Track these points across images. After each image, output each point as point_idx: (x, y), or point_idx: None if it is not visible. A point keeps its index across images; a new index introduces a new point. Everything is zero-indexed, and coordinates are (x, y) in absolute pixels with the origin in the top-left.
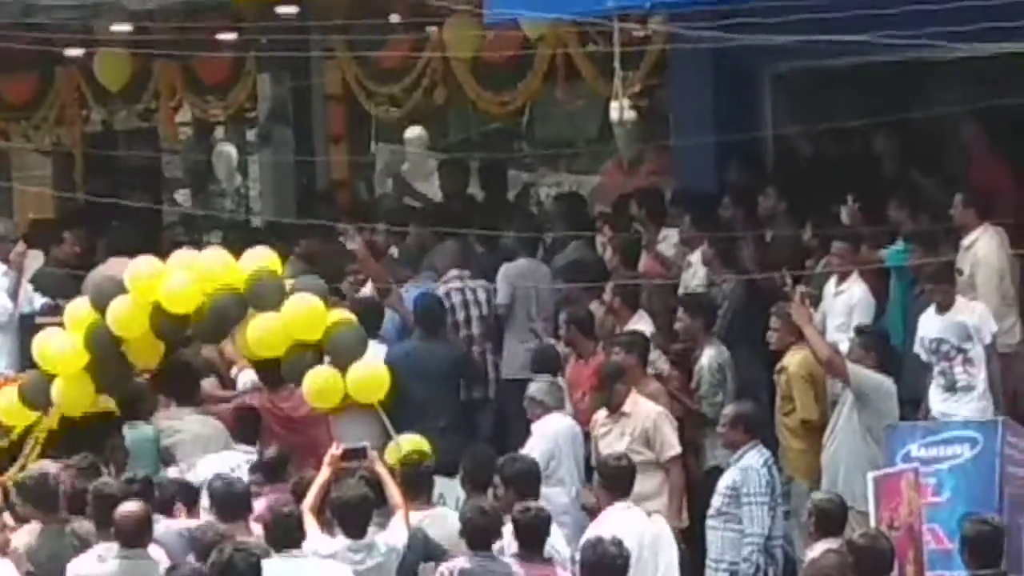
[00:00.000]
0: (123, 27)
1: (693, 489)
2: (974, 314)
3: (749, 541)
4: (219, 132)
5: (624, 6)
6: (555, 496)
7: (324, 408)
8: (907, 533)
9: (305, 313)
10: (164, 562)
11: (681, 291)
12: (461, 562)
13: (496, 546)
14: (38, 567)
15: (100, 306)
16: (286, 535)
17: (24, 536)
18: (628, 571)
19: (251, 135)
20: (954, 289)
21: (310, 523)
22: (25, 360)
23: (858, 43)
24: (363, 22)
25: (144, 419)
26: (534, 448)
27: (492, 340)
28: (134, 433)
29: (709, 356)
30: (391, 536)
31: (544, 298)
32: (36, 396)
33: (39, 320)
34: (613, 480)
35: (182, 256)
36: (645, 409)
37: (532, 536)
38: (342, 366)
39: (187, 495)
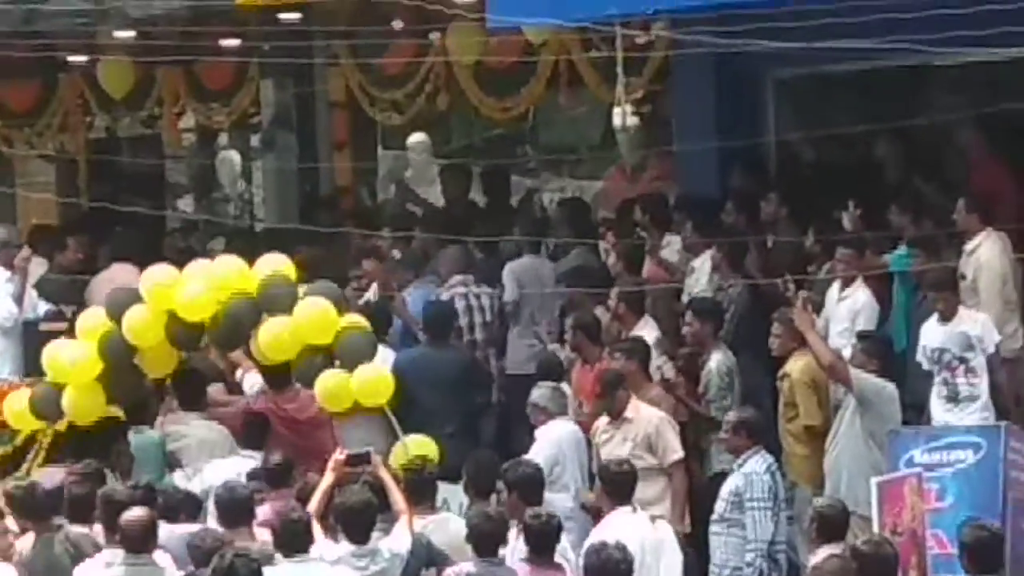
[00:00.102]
0: (126, 34)
1: (698, 494)
2: (977, 324)
3: (752, 547)
4: (223, 138)
5: (627, 12)
6: (559, 501)
7: (333, 411)
8: (910, 538)
9: (316, 317)
10: (170, 568)
11: (685, 297)
12: (467, 567)
13: (502, 552)
14: None
15: (115, 315)
16: (295, 540)
17: (28, 542)
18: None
19: (255, 141)
20: (956, 297)
21: (314, 529)
22: (29, 366)
23: (860, 49)
24: (366, 28)
25: (149, 424)
26: (538, 454)
27: (496, 346)
28: (139, 438)
29: (717, 360)
30: (395, 542)
31: (548, 300)
32: (47, 407)
33: (43, 327)
34: (615, 485)
35: (197, 265)
36: (647, 414)
37: (543, 542)
38: (352, 369)
39: (190, 504)
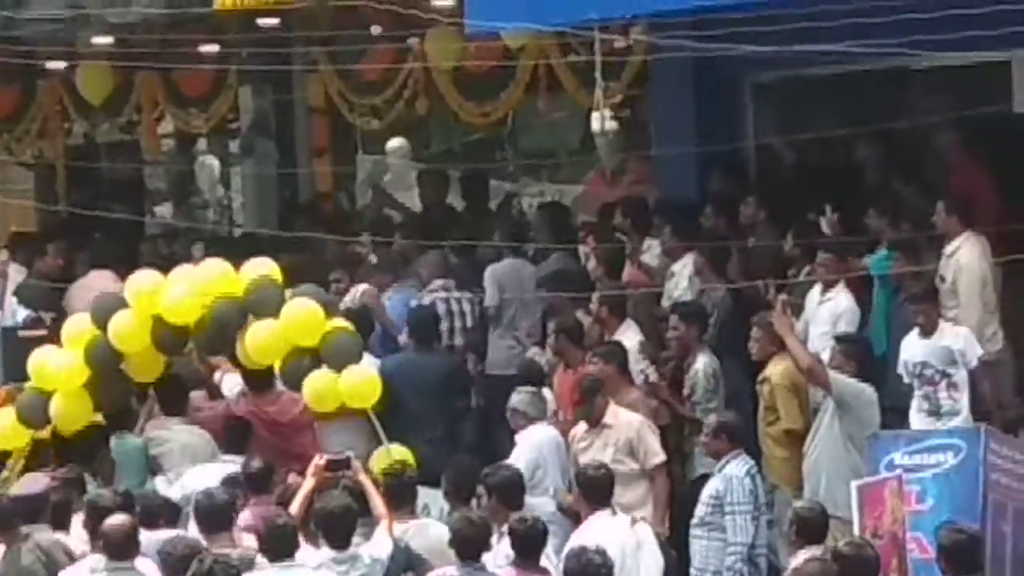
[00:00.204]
0: (105, 40)
1: (680, 497)
2: (959, 338)
3: (732, 550)
4: (201, 144)
5: (605, 17)
6: (541, 505)
7: (319, 413)
8: (891, 541)
9: (303, 319)
10: (152, 574)
11: (664, 301)
12: (451, 571)
13: (485, 557)
14: None
15: (101, 322)
16: (280, 545)
17: None
18: None
19: (233, 147)
20: (937, 310)
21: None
22: (8, 372)
23: (838, 52)
24: (345, 33)
25: (130, 430)
26: (519, 458)
27: (476, 351)
28: (121, 444)
29: (704, 362)
30: (375, 547)
31: (530, 302)
32: (33, 415)
33: (22, 333)
34: (592, 489)
35: (182, 269)
36: (627, 419)
37: (529, 546)
38: (339, 371)
39: (169, 511)
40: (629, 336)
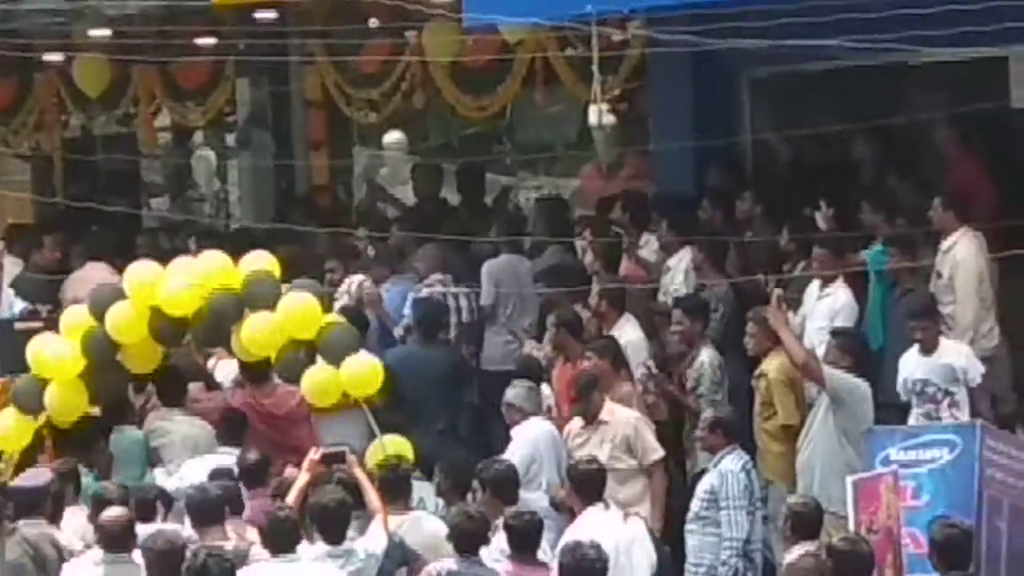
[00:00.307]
0: (102, 32)
1: (683, 493)
2: (961, 356)
3: (727, 545)
4: (198, 137)
5: (603, 10)
6: (536, 500)
7: (318, 406)
8: (886, 537)
9: (300, 312)
10: None
11: (661, 296)
12: (448, 564)
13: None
14: None
15: (98, 312)
16: (282, 538)
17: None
18: (607, 575)
19: (230, 140)
20: (936, 327)
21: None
22: (5, 365)
23: (836, 47)
24: (342, 27)
25: (128, 422)
26: (515, 452)
27: (474, 345)
28: (121, 437)
29: (709, 355)
30: (370, 542)
31: (527, 297)
32: (28, 401)
33: (18, 326)
34: (584, 484)
35: (180, 261)
36: (623, 416)
37: (527, 541)
38: (336, 364)
39: (164, 503)
40: (628, 330)
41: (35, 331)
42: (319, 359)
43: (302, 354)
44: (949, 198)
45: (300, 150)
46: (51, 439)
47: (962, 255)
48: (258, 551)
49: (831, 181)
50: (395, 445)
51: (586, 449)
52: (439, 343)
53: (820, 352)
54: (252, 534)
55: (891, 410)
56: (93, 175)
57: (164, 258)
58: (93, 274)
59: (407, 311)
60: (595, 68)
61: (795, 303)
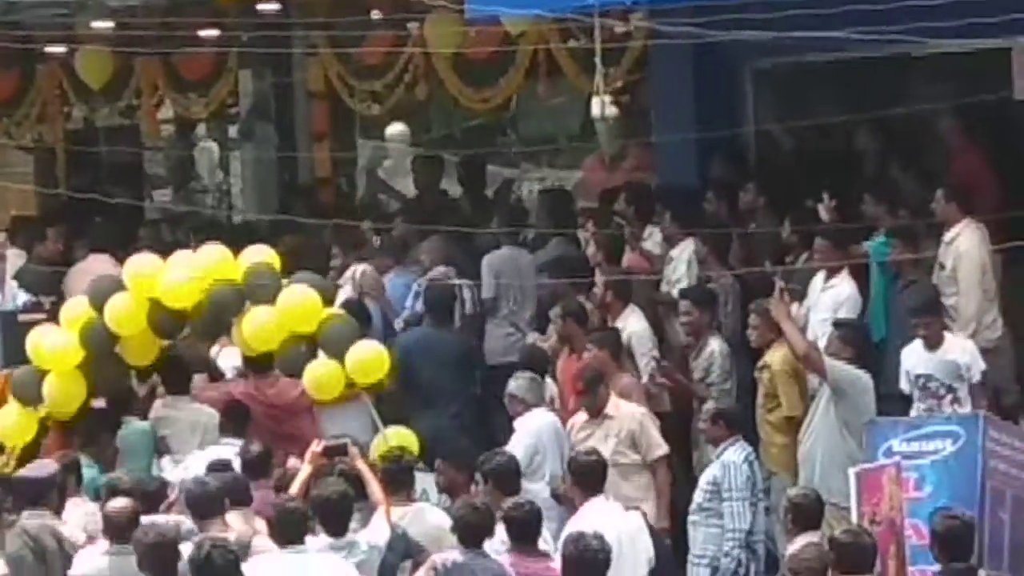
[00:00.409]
0: (105, 24)
1: (686, 486)
2: (965, 352)
3: (730, 536)
4: (201, 129)
5: (605, 2)
6: (540, 491)
7: (319, 399)
8: (889, 528)
9: (300, 305)
10: None
11: (664, 286)
12: (454, 555)
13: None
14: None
15: (98, 303)
16: (292, 530)
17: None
18: (610, 566)
19: (233, 132)
20: (940, 322)
21: None
22: (8, 356)
23: (839, 39)
24: (345, 19)
25: (132, 412)
26: (518, 444)
27: (475, 337)
28: (126, 430)
29: (719, 344)
30: (373, 534)
31: (528, 290)
32: (27, 392)
33: (22, 317)
34: (584, 476)
35: (181, 253)
36: (628, 411)
37: (526, 531)
38: (338, 358)
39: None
40: (633, 321)
41: (38, 323)
42: (320, 353)
43: (303, 348)
44: (952, 190)
45: (303, 142)
46: (57, 431)
47: (965, 247)
48: (260, 542)
49: (834, 172)
50: (398, 437)
51: (591, 443)
52: (451, 327)
53: (823, 344)
54: (261, 525)
55: (893, 401)
56: (96, 167)
57: (167, 250)
58: (95, 266)
59: (409, 303)
60: (598, 60)
61: (799, 295)
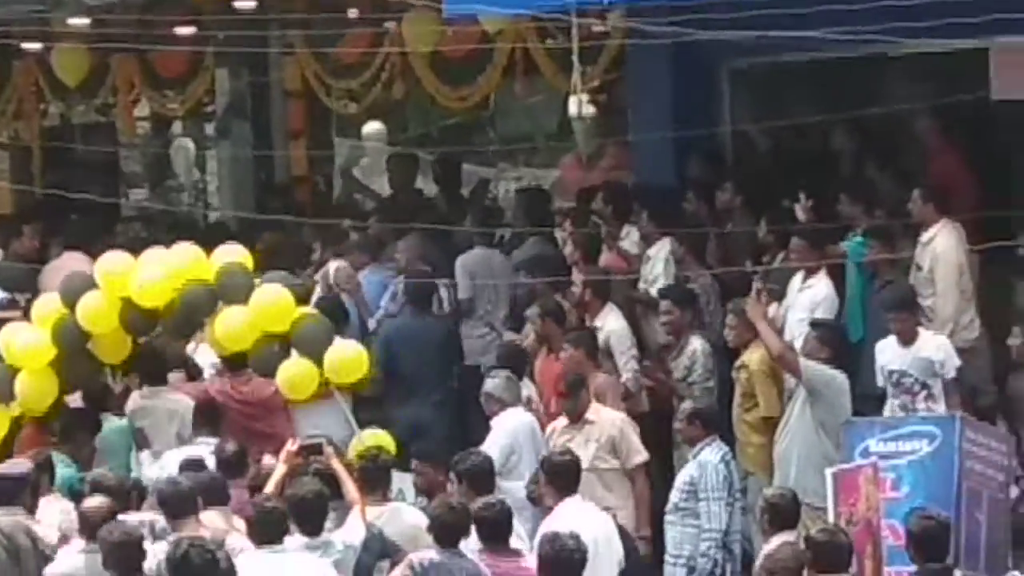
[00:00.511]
0: (81, 21)
1: (665, 487)
2: (939, 349)
3: (707, 536)
4: (177, 127)
5: (583, 1)
6: (516, 491)
7: (294, 399)
8: (865, 528)
9: (273, 305)
10: None
11: (641, 285)
12: (430, 554)
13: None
14: None
15: (70, 301)
16: (270, 529)
17: None
18: (586, 566)
19: (209, 130)
20: (915, 319)
21: None
22: None
23: (816, 39)
24: (322, 16)
25: (108, 409)
26: (493, 443)
27: None
28: (106, 428)
29: (701, 343)
30: (348, 533)
31: (502, 290)
32: (0, 388)
33: None
34: (558, 476)
35: (153, 252)
36: (609, 416)
37: (497, 531)
38: (310, 358)
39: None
40: (612, 319)
41: (14, 320)
42: (294, 352)
43: (276, 348)
44: (929, 190)
45: (279, 140)
46: (31, 428)
47: (942, 247)
48: (233, 541)
49: (811, 172)
50: (373, 438)
51: (571, 448)
52: (431, 314)
53: (799, 344)
54: (240, 524)
55: (871, 401)
56: (72, 164)
57: (142, 248)
58: (70, 263)
59: (384, 303)
60: (575, 59)
61: (778, 295)
